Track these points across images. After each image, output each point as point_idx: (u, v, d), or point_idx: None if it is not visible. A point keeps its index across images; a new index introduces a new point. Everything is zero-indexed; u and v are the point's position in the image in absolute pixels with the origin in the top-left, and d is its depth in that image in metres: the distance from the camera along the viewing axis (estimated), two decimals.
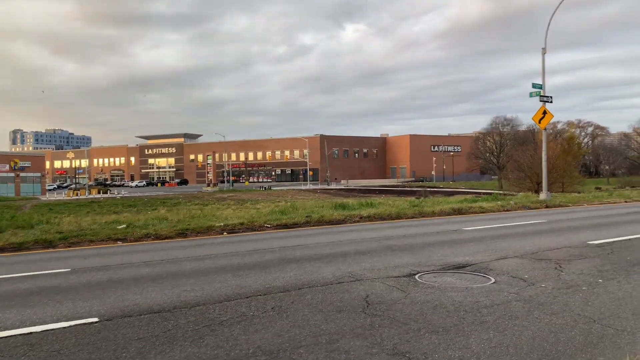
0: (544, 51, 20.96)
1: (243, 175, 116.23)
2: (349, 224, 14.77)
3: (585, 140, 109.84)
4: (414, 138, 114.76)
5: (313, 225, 14.33)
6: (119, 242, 12.02)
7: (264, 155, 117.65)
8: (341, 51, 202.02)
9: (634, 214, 16.32)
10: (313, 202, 22.06)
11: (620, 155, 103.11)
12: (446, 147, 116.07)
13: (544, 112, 20.65)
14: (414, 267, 7.67)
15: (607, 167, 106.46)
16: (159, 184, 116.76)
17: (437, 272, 7.27)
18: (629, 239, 10.11)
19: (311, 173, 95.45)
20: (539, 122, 21.15)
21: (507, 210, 18.36)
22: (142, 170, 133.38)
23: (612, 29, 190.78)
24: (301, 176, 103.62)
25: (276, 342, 4.43)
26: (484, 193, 53.43)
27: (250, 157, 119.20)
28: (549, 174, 45.62)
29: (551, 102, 20.87)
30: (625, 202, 22.42)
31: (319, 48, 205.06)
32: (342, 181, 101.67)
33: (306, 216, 14.86)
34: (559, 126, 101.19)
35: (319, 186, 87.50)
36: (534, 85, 20.88)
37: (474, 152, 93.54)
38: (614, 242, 9.76)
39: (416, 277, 6.97)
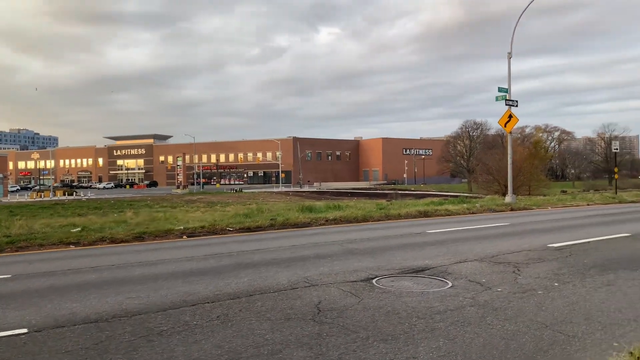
0: (509, 56, 21.25)
1: (214, 178, 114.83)
2: (315, 227, 14.55)
3: (552, 144, 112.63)
4: (386, 141, 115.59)
5: (277, 229, 14.05)
6: (71, 246, 11.49)
7: (235, 157, 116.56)
8: (315, 54, 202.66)
9: (594, 217, 16.61)
10: (281, 205, 21.77)
11: (585, 159, 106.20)
12: (418, 150, 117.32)
13: (510, 116, 20.91)
14: (373, 271, 7.49)
15: (572, 171, 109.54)
16: (128, 186, 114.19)
17: (396, 277, 7.11)
18: (588, 242, 10.19)
19: (283, 175, 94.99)
20: (505, 126, 21.41)
21: (473, 213, 18.46)
22: (111, 172, 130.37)
23: (579, 36, 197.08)
24: (273, 178, 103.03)
25: (214, 353, 4.15)
26: (453, 196, 54.07)
27: (222, 159, 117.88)
28: (516, 177, 46.51)
29: (516, 106, 21.16)
30: (588, 205, 22.89)
31: (293, 50, 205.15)
32: (315, 184, 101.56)
33: (270, 219, 14.57)
34: (527, 130, 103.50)
35: (292, 188, 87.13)
36: (500, 90, 21.13)
37: (445, 156, 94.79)
38: (573, 245, 9.81)
39: (373, 281, 6.79)
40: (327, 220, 15.21)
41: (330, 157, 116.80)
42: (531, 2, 20.45)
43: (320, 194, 71.77)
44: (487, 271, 7.37)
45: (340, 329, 4.70)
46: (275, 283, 6.77)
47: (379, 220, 16.01)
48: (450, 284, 6.56)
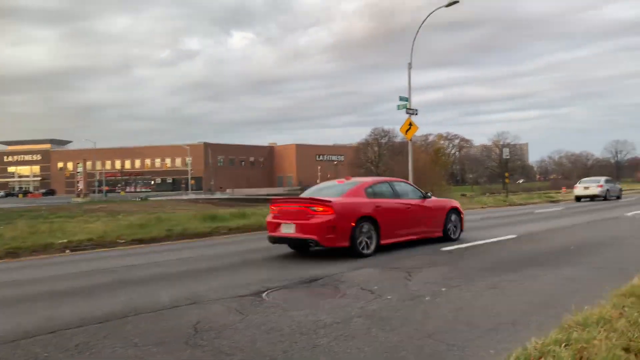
0: (409, 66, 22.07)
1: (119, 185, 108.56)
2: (216, 236, 13.93)
3: (453, 151, 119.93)
4: (299, 147, 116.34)
5: (174, 240, 13.25)
6: None
7: (142, 163, 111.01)
8: (228, 58, 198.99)
9: (486, 219, 17.59)
10: (183, 214, 20.76)
11: (482, 165, 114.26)
12: (330, 156, 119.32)
13: (410, 124, 21.67)
14: (267, 282, 7.14)
15: (471, 176, 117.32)
16: (21, 195, 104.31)
17: (289, 288, 6.81)
18: (479, 244, 10.62)
19: (193, 182, 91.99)
20: (406, 133, 22.15)
21: None
22: (1, 180, 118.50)
23: (479, 51, 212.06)
24: (183, 185, 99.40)
25: None
26: None
27: (128, 165, 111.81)
28: (419, 182, 48.76)
29: (416, 114, 21.99)
30: (482, 208, 24.35)
31: (206, 54, 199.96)
32: (228, 190, 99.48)
33: (167, 230, 13.72)
34: (431, 138, 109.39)
35: (202, 196, 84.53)
36: (401, 98, 21.85)
37: (356, 162, 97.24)
38: (464, 247, 10.17)
39: (264, 294, 6.44)
40: (230, 230, 14.64)
41: (243, 163, 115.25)
42: (427, 17, 21.45)
43: (232, 201, 70.11)
44: (380, 278, 7.32)
45: (215, 353, 4.28)
46: (155, 302, 6.18)
47: None
48: (342, 293, 6.38)
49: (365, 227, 9.24)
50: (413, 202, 10.68)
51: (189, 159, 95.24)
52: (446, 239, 11.04)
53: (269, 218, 9.96)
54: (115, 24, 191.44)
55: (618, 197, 31.92)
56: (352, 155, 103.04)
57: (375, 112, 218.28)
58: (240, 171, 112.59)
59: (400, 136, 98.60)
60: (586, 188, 30.71)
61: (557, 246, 10.28)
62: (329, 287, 6.80)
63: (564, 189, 54.88)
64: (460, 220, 11.67)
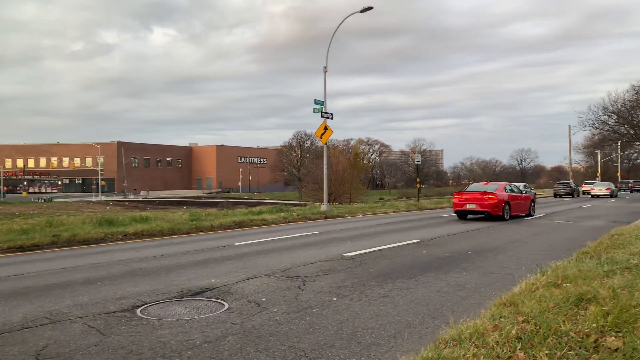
0: (325, 70, 22.01)
1: (21, 185, 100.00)
2: (109, 243, 12.83)
3: (373, 156, 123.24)
4: (220, 149, 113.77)
5: (61, 246, 12.01)
6: None
7: (48, 162, 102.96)
8: (148, 54, 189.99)
9: (395, 223, 17.85)
10: (78, 218, 19.16)
11: (400, 170, 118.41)
12: (253, 158, 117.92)
13: (325, 128, 21.60)
14: (145, 296, 6.48)
15: (389, 180, 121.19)
16: None
17: (169, 302, 6.20)
18: (381, 250, 10.57)
19: (103, 183, 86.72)
20: (321, 137, 22.06)
21: (289, 222, 18.48)
22: None
23: (399, 60, 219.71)
24: (94, 186, 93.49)
25: None
26: (284, 204, 54.91)
27: (32, 163, 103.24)
28: (339, 186, 49.29)
29: (331, 118, 21.97)
30: (394, 212, 24.82)
31: (123, 48, 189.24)
32: (142, 192, 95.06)
33: (53, 235, 12.42)
34: (352, 143, 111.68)
35: (114, 197, 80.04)
36: (316, 102, 21.73)
37: (278, 165, 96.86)
38: (366, 253, 10.05)
39: (138, 310, 5.79)
40: (125, 235, 13.58)
41: (160, 163, 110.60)
42: (341, 23, 21.54)
43: (146, 203, 66.89)
44: (273, 288, 6.91)
45: None
46: (3, 322, 5.32)
47: (188, 232, 14.90)
48: (226, 307, 5.89)
49: (507, 207, 18.58)
50: (521, 195, 20.58)
51: (100, 159, 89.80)
52: (528, 215, 20.70)
53: (456, 201, 19.17)
54: (22, 11, 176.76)
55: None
56: (274, 157, 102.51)
57: (301, 116, 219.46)
58: (157, 172, 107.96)
59: None
60: None
61: (455, 251, 10.46)
62: (214, 300, 6.28)
63: None
64: (534, 206, 21.92)
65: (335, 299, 6.25)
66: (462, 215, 18.92)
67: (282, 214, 19.62)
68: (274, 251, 10.55)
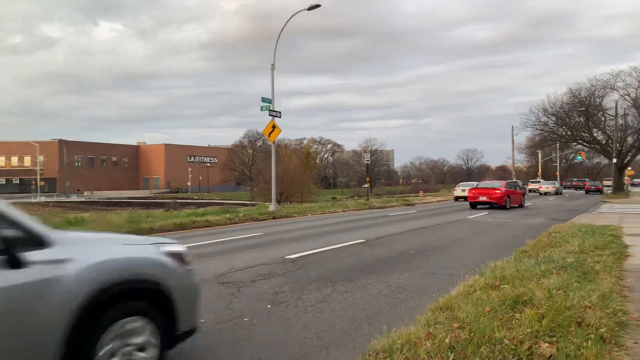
0: (272, 67, 21.59)
1: None
2: None
3: (326, 155, 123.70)
4: (169, 147, 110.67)
5: None
6: None
7: None
8: (94, 50, 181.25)
9: (343, 223, 17.70)
10: None
11: (352, 169, 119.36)
12: (203, 158, 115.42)
13: (274, 127, 21.19)
14: None
15: (342, 180, 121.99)
16: None
17: None
18: (325, 251, 10.31)
19: (43, 183, 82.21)
20: (269, 136, 21.64)
21: (235, 223, 17.95)
22: None
23: (352, 61, 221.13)
24: (33, 187, 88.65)
25: None
26: (232, 204, 53.96)
27: None
28: (290, 185, 48.91)
29: (280, 117, 21.58)
30: (343, 211, 24.74)
31: (67, 43, 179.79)
32: (86, 193, 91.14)
33: None
34: (305, 142, 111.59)
35: (55, 198, 76.20)
36: (264, 100, 21.27)
37: (229, 164, 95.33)
38: (309, 255, 9.76)
39: None
40: None
41: (105, 163, 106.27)
42: (289, 19, 21.22)
43: (89, 204, 63.94)
44: (205, 295, 6.46)
45: None
46: None
47: None
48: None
49: (508, 199, 24.20)
50: (517, 190, 26.83)
51: (39, 158, 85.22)
52: (520, 206, 26.04)
53: (471, 194, 25.49)
54: None
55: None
56: (226, 157, 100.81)
57: (254, 114, 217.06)
58: (102, 172, 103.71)
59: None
60: (463, 190, 35.90)
61: (399, 251, 10.35)
62: None
63: (421, 193, 59.17)
64: (525, 199, 27.74)
65: (269, 306, 5.91)
66: (474, 205, 25.04)
67: (228, 214, 19.03)
68: (213, 255, 10.07)
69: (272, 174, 23.42)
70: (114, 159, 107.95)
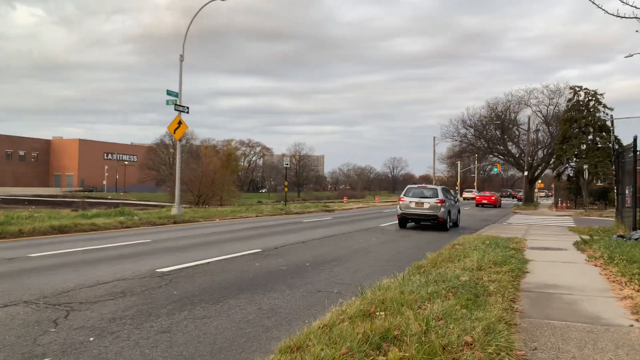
0: (181, 59, 19.99)
1: None
2: None
3: (254, 158, 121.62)
4: (83, 143, 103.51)
5: None
6: None
7: None
8: (10, 34, 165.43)
9: (250, 229, 16.51)
10: None
11: (280, 173, 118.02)
12: (121, 155, 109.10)
13: (179, 122, 19.58)
14: None
15: (270, 183, 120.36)
16: None
17: None
18: (208, 262, 9.08)
19: None
20: (174, 133, 19.99)
21: (127, 227, 16.16)
22: None
23: (287, 65, 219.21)
24: None
25: None
26: (144, 205, 51.08)
27: None
28: (210, 187, 46.85)
29: (187, 112, 19.99)
30: (257, 216, 23.51)
31: None
32: None
33: None
34: (233, 143, 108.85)
35: None
36: (169, 93, 19.57)
37: (148, 163, 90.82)
38: (186, 267, 8.48)
39: None
40: None
41: (11, 157, 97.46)
42: (200, 9, 19.78)
43: None
44: (16, 323, 5.03)
45: None
46: None
47: None
48: None
49: (499, 202, 49.29)
50: (499, 198, 52.73)
51: None
52: (498, 207, 46.03)
53: (478, 198, 48.21)
54: None
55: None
56: (146, 155, 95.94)
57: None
58: (6, 167, 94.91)
59: (199, 139, 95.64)
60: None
61: (293, 262, 9.34)
62: None
63: (345, 199, 59.16)
64: (500, 203, 51.62)
65: (92, 339, 4.60)
66: (479, 206, 35.64)
67: (121, 217, 17.17)
68: (72, 266, 8.51)
69: (176, 175, 21.65)
70: (22, 152, 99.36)
